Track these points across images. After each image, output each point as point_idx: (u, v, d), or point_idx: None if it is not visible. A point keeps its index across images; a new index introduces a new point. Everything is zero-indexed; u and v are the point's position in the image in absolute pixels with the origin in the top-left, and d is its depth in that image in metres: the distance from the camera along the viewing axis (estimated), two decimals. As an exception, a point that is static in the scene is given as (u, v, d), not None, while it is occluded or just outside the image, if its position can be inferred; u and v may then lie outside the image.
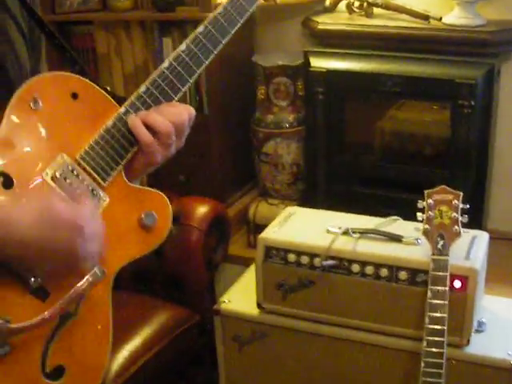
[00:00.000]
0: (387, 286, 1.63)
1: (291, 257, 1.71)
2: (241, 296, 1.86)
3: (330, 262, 1.66)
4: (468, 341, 1.59)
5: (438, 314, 1.51)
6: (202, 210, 2.04)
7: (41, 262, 1.06)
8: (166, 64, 1.21)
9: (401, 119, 2.51)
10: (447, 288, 1.52)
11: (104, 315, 1.18)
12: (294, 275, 1.71)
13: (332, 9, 2.55)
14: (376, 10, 2.46)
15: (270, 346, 1.79)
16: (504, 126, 2.44)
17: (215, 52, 1.24)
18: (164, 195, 1.22)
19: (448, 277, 1.53)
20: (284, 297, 1.74)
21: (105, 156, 1.17)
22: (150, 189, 1.22)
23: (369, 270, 1.64)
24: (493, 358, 1.58)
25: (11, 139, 1.09)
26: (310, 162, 2.54)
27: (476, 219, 2.09)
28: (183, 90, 1.22)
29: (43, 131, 1.13)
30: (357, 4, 2.49)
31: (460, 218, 1.57)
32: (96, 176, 1.16)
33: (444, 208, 1.58)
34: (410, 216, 1.67)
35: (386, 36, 2.37)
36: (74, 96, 1.16)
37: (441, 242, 1.56)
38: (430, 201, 1.59)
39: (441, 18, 2.31)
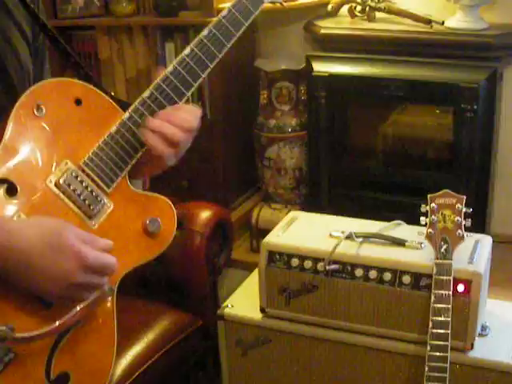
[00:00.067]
0: (391, 291, 1.63)
1: (294, 261, 1.70)
2: (244, 301, 1.86)
3: (334, 267, 1.66)
4: (472, 345, 1.59)
5: (441, 318, 1.51)
6: (204, 214, 2.03)
7: (41, 278, 1.04)
8: (170, 68, 1.20)
9: (403, 123, 2.51)
10: (451, 292, 1.52)
11: (109, 321, 1.17)
12: (298, 280, 1.71)
13: (334, 13, 2.55)
14: (378, 14, 2.46)
15: (274, 350, 1.79)
16: (507, 129, 2.44)
17: (220, 56, 1.23)
18: (169, 200, 1.21)
19: (451, 281, 1.52)
20: (287, 301, 1.73)
21: (109, 162, 1.16)
22: (155, 194, 1.22)
23: (372, 274, 1.64)
24: (497, 362, 1.58)
25: (15, 146, 1.09)
26: (312, 166, 2.53)
27: (479, 223, 2.09)
28: (187, 94, 1.21)
29: (47, 138, 1.12)
30: (359, 8, 2.49)
31: (463, 222, 1.56)
32: (100, 182, 1.16)
33: (447, 212, 1.57)
34: (413, 220, 1.67)
35: (388, 40, 2.37)
36: (78, 102, 1.16)
37: (444, 246, 1.55)
38: (433, 205, 1.59)
39: (443, 22, 2.31)
